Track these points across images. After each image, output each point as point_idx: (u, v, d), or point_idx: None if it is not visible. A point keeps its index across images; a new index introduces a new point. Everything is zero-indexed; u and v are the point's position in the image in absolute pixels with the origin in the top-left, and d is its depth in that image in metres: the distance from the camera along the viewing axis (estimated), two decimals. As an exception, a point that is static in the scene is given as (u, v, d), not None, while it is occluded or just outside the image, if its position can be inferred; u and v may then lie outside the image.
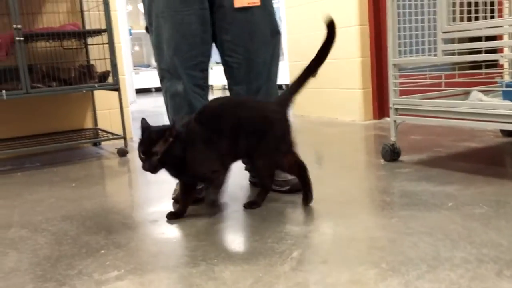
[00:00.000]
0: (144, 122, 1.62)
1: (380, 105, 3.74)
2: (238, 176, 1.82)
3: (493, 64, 2.52)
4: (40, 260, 1.42)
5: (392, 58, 2.27)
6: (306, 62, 4.19)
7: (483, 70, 2.49)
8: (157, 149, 1.56)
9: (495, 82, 2.46)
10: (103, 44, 3.02)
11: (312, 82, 4.36)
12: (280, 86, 2.06)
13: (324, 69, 4.11)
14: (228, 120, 1.67)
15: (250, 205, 1.78)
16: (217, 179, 1.66)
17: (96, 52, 3.20)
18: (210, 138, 1.64)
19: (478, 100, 2.27)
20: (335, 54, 3.87)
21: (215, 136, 1.65)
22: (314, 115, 4.12)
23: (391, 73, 2.29)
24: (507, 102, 2.01)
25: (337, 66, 3.86)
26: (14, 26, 2.63)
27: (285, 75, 4.29)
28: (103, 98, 3.42)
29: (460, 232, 1.41)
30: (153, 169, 1.59)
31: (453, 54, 2.17)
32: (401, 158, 2.34)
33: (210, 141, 1.64)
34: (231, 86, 1.98)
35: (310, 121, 3.93)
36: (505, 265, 1.18)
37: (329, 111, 4.00)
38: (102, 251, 1.46)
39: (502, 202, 1.65)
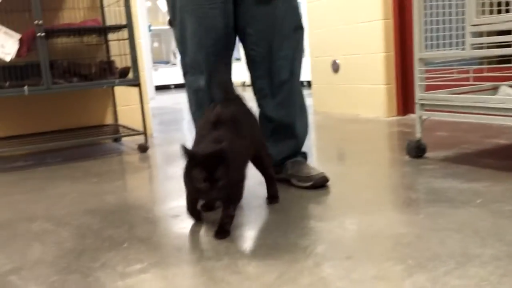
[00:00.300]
0: (185, 148, 1.38)
1: (404, 101, 3.71)
2: (258, 172, 1.83)
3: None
4: (64, 253, 1.46)
5: (418, 52, 2.26)
6: (328, 58, 4.21)
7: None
8: (220, 175, 1.35)
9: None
10: (123, 40, 3.06)
11: (334, 78, 4.36)
12: (301, 83, 2.06)
13: (347, 65, 4.10)
14: (244, 124, 1.65)
15: (271, 201, 1.80)
16: (239, 192, 1.58)
17: (116, 48, 3.24)
18: (239, 145, 1.55)
19: (507, 95, 2.25)
20: (358, 49, 3.89)
21: (240, 142, 1.58)
22: (336, 111, 4.12)
23: (417, 67, 2.27)
24: (538, 97, 1.98)
25: (360, 61, 3.85)
26: (36, 22, 2.68)
27: (307, 71, 4.29)
28: (123, 94, 3.46)
29: (489, 229, 1.40)
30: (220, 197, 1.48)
31: (481, 48, 2.15)
32: (427, 154, 2.33)
33: (240, 148, 1.56)
34: (253, 80, 1.99)
35: (332, 117, 3.92)
36: (536, 262, 1.18)
37: (351, 107, 3.99)
38: (125, 245, 1.48)
39: (533, 199, 1.63)
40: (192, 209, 1.64)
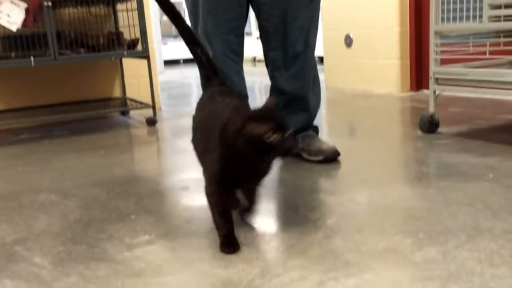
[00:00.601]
0: (237, 112, 1.23)
1: (418, 76, 3.68)
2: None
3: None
4: (71, 224, 1.47)
5: (434, 24, 2.22)
6: (342, 32, 4.14)
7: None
8: (286, 124, 1.16)
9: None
10: (132, 10, 3.04)
11: (347, 52, 4.31)
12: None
13: (360, 39, 4.05)
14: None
15: None
16: None
17: (124, 19, 3.22)
18: None
19: (525, 69, 2.21)
20: (372, 23, 3.84)
21: None
22: (348, 87, 4.08)
23: (433, 41, 2.24)
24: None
25: (374, 35, 3.80)
26: (43, -9, 2.67)
27: (319, 46, 4.23)
28: (131, 66, 3.45)
29: (501, 203, 1.39)
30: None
31: (499, 20, 2.11)
32: (440, 130, 2.31)
33: None
34: (266, 51, 1.96)
35: (344, 93, 3.89)
36: (550, 236, 1.17)
37: (364, 82, 3.95)
38: (133, 216, 1.49)
39: (548, 175, 1.62)
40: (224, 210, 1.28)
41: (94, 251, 1.27)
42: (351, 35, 4.01)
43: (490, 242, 1.16)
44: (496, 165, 1.74)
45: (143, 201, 1.63)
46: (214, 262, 1.18)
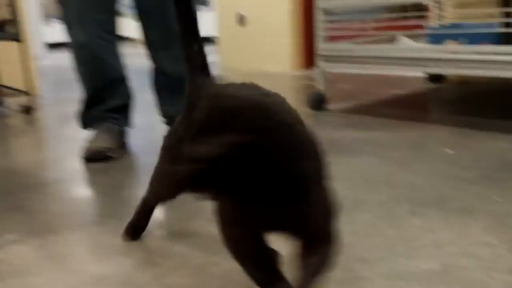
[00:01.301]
0: None
1: (310, 54, 3.76)
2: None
3: (422, 9, 2.59)
4: None
5: (320, 2, 2.27)
6: (235, 10, 4.12)
7: (410, 14, 2.54)
8: None
9: (422, 27, 2.53)
10: (-1, -12, 2.82)
11: (241, 32, 4.30)
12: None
13: (253, 17, 4.05)
14: None
15: None
16: None
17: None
18: None
19: (406, 45, 2.33)
20: (264, 1, 3.84)
21: None
22: (244, 67, 4.09)
23: (319, 18, 2.29)
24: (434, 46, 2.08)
25: (266, 13, 3.83)
26: None
27: (213, 26, 4.20)
28: (4, 50, 3.22)
29: (378, 175, 1.46)
30: None
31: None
32: (329, 107, 2.38)
33: None
34: (145, 31, 1.90)
35: (239, 73, 3.90)
36: (419, 204, 1.25)
37: (259, 62, 3.98)
38: (-2, 215, 1.39)
39: (422, 145, 1.73)
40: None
41: None
42: (244, 14, 4.01)
43: (365, 213, 1.21)
44: (377, 139, 1.83)
45: (11, 198, 1.52)
46: (86, 258, 1.12)
